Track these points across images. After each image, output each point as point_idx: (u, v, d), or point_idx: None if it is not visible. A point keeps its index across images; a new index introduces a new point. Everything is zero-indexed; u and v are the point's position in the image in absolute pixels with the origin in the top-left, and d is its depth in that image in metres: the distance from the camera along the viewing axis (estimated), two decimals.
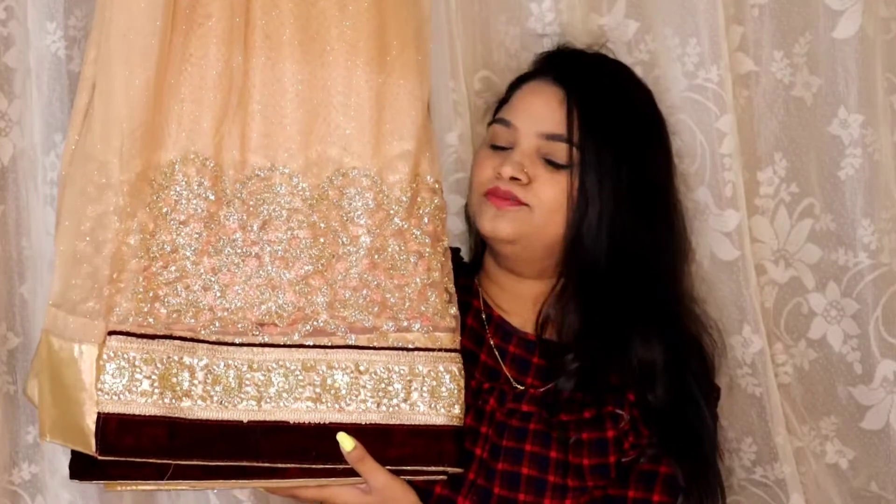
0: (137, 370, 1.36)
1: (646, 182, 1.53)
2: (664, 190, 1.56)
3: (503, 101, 1.58)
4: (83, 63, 1.43)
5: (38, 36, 1.68)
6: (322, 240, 1.41)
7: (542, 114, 1.51)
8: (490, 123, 1.56)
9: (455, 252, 1.61)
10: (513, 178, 1.49)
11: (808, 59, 1.79)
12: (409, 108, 1.42)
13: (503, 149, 1.52)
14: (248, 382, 1.38)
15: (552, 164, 1.50)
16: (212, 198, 1.39)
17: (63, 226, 1.40)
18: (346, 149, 1.42)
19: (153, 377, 1.36)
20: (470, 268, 1.64)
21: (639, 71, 1.79)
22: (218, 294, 1.39)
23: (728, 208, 1.76)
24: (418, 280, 1.43)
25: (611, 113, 1.53)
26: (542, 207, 1.50)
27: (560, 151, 1.50)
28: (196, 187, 1.39)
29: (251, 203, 1.41)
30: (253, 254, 1.40)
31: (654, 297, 1.53)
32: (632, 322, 1.51)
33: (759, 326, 1.77)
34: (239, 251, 1.40)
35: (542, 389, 1.52)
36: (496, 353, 1.56)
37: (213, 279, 1.40)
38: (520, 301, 1.58)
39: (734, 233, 1.76)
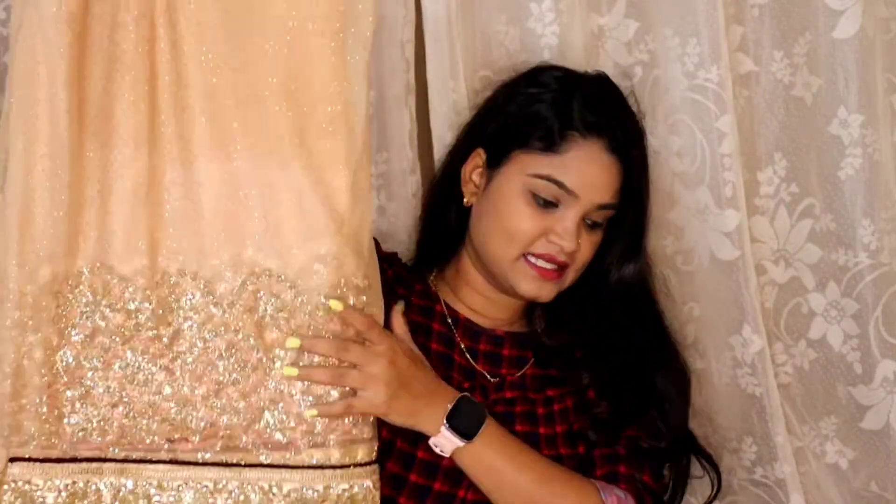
0: (41, 499, 1.31)
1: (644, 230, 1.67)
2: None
3: (526, 133, 1.58)
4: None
5: None
6: (235, 349, 1.33)
7: (601, 187, 1.56)
8: (538, 177, 1.55)
9: (393, 257, 1.65)
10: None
11: (808, 59, 1.78)
12: (327, 204, 1.33)
13: (548, 204, 1.55)
14: (157, 503, 1.33)
15: (594, 225, 1.59)
16: (118, 307, 1.33)
17: None
18: (261, 249, 1.33)
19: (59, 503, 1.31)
20: (416, 269, 1.67)
21: (639, 71, 1.80)
22: (126, 410, 1.32)
23: (728, 208, 1.76)
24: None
25: (645, 179, 1.64)
26: (578, 267, 1.60)
27: (604, 215, 1.59)
28: (101, 298, 1.33)
29: (160, 312, 1.33)
30: (163, 366, 1.33)
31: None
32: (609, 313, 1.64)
33: (759, 326, 1.77)
34: (148, 364, 1.33)
35: (518, 374, 1.60)
36: (467, 354, 1.61)
37: (121, 394, 1.32)
38: (496, 306, 1.65)
39: (734, 233, 1.76)
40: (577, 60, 1.77)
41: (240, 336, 1.33)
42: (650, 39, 1.80)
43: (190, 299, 1.33)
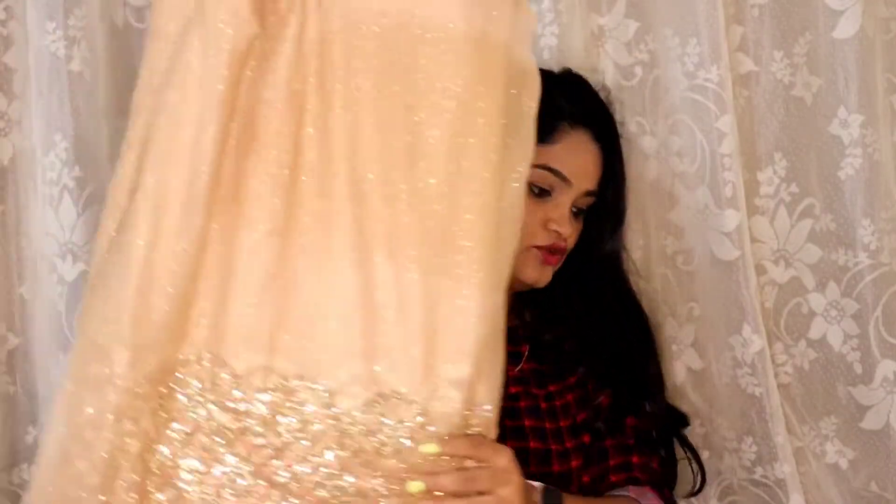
0: None
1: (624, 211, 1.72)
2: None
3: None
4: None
5: (37, 36, 1.68)
6: (348, 474, 1.20)
7: (590, 173, 1.63)
8: (535, 167, 1.50)
9: None
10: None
11: (808, 59, 1.79)
12: (471, 324, 1.20)
13: (543, 192, 1.60)
14: None
15: (579, 212, 1.65)
16: (226, 406, 1.19)
17: (61, 401, 1.19)
18: (393, 369, 1.19)
19: None
20: None
21: (639, 71, 1.80)
22: None
23: (728, 208, 1.76)
24: None
25: (622, 161, 1.69)
26: (566, 251, 1.65)
27: (588, 202, 1.65)
28: (209, 393, 1.19)
29: (272, 418, 1.20)
30: (266, 478, 1.19)
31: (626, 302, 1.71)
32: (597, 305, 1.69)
33: (759, 326, 1.77)
34: (250, 474, 1.19)
35: (517, 369, 1.63)
36: None
37: (216, 503, 1.19)
38: None
39: (734, 233, 1.76)
40: (578, 60, 1.77)
41: (357, 460, 1.20)
42: (650, 39, 1.80)
43: (307, 410, 1.19)
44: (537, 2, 1.78)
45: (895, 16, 1.79)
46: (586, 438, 1.62)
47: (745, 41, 1.81)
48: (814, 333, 1.81)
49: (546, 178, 1.60)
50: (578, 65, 1.75)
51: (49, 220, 1.69)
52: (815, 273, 1.81)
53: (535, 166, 1.55)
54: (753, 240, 1.80)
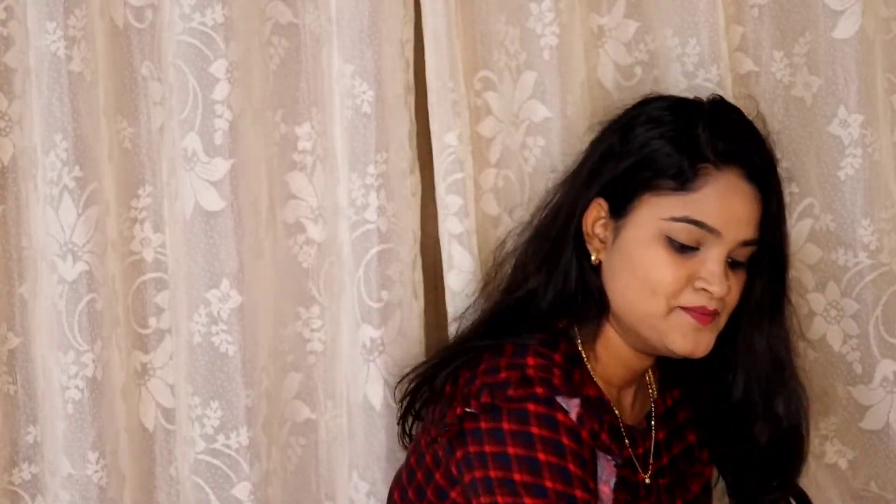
0: None
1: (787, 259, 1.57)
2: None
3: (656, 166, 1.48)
4: None
5: (38, 36, 1.68)
6: None
7: (744, 220, 1.45)
8: (674, 220, 1.44)
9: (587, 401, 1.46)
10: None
11: (808, 59, 1.78)
12: None
13: (687, 248, 1.44)
14: None
15: (737, 264, 1.47)
16: None
17: None
18: None
19: None
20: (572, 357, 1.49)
21: (638, 71, 1.80)
22: None
23: None
24: None
25: (783, 203, 1.53)
26: (727, 310, 1.48)
27: (747, 252, 1.48)
28: None
29: None
30: None
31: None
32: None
33: None
34: None
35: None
36: (635, 461, 1.54)
37: None
38: (628, 375, 1.56)
39: None
40: (577, 60, 1.77)
41: None
42: (650, 39, 1.80)
43: None
44: (537, 2, 1.77)
45: (895, 16, 1.79)
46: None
47: (745, 41, 1.81)
48: (813, 333, 1.81)
49: (689, 233, 1.43)
50: (578, 65, 1.75)
51: (49, 220, 1.68)
52: (814, 273, 1.81)
53: (677, 220, 1.44)
54: None
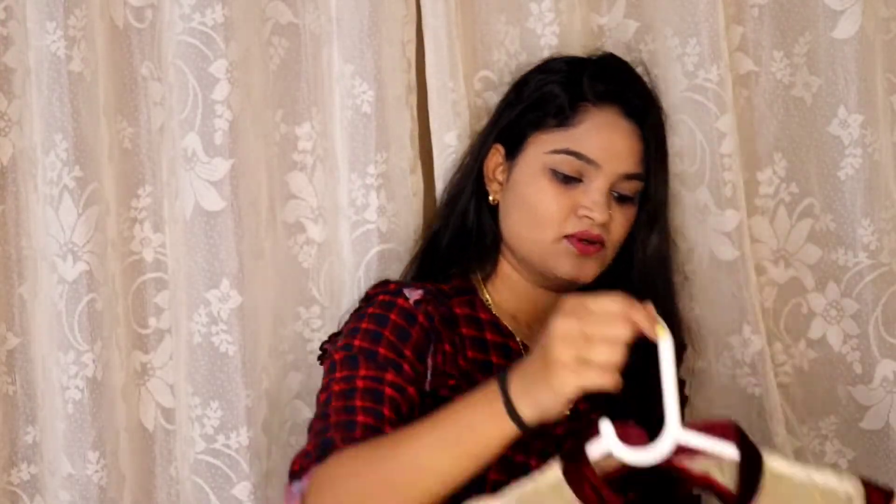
0: None
1: (665, 202, 1.62)
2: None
3: (544, 110, 1.56)
4: None
5: (37, 36, 1.68)
6: None
7: (624, 154, 1.53)
8: (555, 152, 1.52)
9: (438, 292, 1.54)
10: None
11: (808, 59, 1.79)
12: None
13: (570, 179, 1.52)
14: None
15: (623, 198, 1.55)
16: None
17: None
18: None
19: None
20: (442, 283, 1.58)
21: (639, 71, 1.79)
22: None
23: (728, 208, 1.76)
24: None
25: (664, 145, 1.61)
26: (613, 243, 1.55)
27: (632, 187, 1.55)
28: None
29: None
30: None
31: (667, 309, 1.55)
32: None
33: (758, 326, 1.77)
34: None
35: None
36: None
37: None
38: (532, 310, 1.60)
39: (734, 233, 1.76)
40: None
41: None
42: (650, 39, 1.80)
43: None
44: (537, 2, 1.78)
45: (895, 16, 1.79)
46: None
47: (745, 41, 1.81)
48: (813, 333, 1.82)
49: (570, 164, 1.51)
50: None
51: (49, 220, 1.68)
52: (814, 273, 1.81)
53: (558, 151, 1.52)
54: (753, 240, 1.80)
